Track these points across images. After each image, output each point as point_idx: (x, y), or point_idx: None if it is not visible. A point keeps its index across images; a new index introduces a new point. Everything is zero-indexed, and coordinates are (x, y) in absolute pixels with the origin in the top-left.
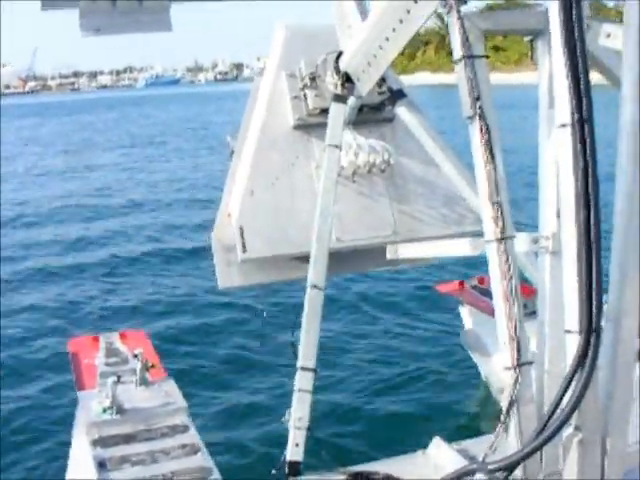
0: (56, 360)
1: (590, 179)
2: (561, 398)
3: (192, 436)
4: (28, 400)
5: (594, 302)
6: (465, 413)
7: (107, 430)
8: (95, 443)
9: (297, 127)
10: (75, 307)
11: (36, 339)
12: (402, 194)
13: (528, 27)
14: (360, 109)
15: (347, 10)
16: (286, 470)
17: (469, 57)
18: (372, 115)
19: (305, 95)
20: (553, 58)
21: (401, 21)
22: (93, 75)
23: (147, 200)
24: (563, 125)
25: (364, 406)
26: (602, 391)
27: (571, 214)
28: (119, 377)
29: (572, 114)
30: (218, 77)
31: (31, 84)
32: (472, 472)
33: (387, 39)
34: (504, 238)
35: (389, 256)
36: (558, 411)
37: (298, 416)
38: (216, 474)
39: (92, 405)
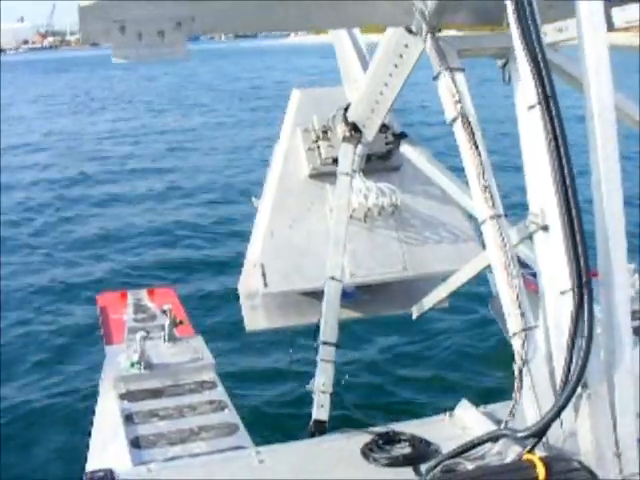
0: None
1: (562, 149)
2: (571, 354)
3: (219, 392)
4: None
5: (581, 260)
6: (493, 378)
7: (135, 384)
8: (122, 397)
9: (312, 176)
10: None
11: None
12: (411, 233)
13: (500, 46)
14: (369, 158)
15: (351, 65)
16: (312, 428)
17: (447, 69)
18: (380, 164)
19: (318, 146)
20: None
21: (396, 66)
22: None
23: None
24: (531, 106)
25: (390, 369)
26: (604, 350)
27: (550, 186)
28: (148, 332)
29: (537, 94)
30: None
31: (50, 39)
32: (500, 438)
33: (386, 84)
34: (495, 216)
35: (415, 315)
36: (572, 368)
37: (322, 381)
38: (242, 430)
39: (120, 359)
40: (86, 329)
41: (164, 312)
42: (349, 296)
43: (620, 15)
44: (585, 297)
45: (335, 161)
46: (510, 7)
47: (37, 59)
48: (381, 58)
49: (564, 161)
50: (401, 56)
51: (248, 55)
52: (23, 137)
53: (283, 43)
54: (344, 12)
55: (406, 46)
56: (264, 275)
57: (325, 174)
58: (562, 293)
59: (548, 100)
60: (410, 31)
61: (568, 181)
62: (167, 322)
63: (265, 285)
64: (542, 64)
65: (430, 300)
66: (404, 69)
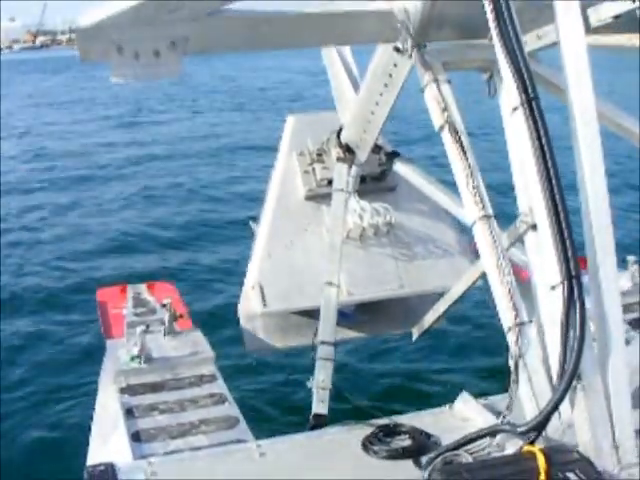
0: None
1: (546, 148)
2: (564, 346)
3: (219, 386)
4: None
5: (570, 254)
6: (494, 369)
7: (135, 378)
8: (123, 391)
9: (308, 198)
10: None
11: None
12: (406, 251)
13: (484, 58)
14: (363, 180)
15: (344, 87)
16: (312, 421)
17: (434, 80)
18: (375, 185)
19: (314, 168)
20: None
21: (386, 85)
22: None
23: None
24: (515, 108)
25: (391, 361)
26: (597, 341)
27: (536, 185)
28: (147, 326)
29: (519, 96)
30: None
31: (41, 38)
32: (499, 433)
33: (377, 104)
34: (485, 216)
35: (416, 337)
36: (567, 360)
37: (321, 379)
38: (243, 424)
39: (120, 353)
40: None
41: (164, 306)
42: (347, 318)
43: (594, 15)
44: (575, 289)
45: (330, 183)
46: (489, 11)
47: (38, 58)
48: (371, 78)
49: (549, 159)
50: (390, 75)
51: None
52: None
53: None
54: (332, 30)
55: (395, 65)
56: (263, 295)
57: (321, 196)
58: (553, 288)
59: (531, 101)
60: (398, 50)
61: (554, 179)
62: (167, 316)
63: (264, 305)
64: (523, 66)
65: (429, 318)
66: (394, 88)
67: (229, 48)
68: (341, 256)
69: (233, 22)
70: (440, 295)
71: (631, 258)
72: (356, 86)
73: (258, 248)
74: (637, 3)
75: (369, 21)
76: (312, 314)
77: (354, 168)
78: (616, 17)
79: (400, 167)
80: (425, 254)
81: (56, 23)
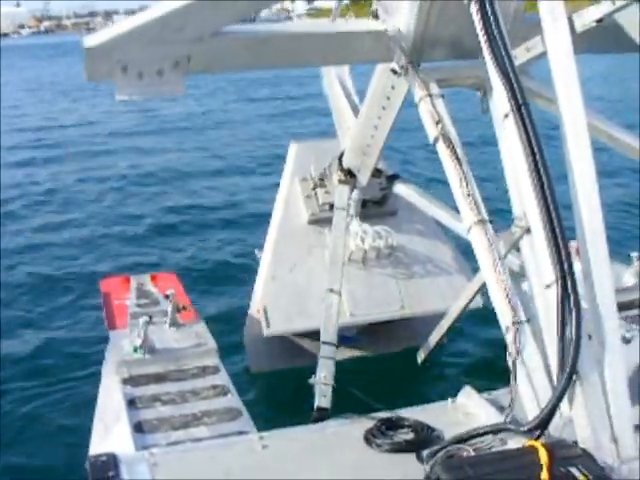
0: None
1: (537, 152)
2: (562, 342)
3: (222, 378)
4: (58, 337)
5: (563, 253)
6: (497, 364)
7: (138, 369)
8: (125, 381)
9: (311, 222)
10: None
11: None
12: (407, 274)
13: (477, 75)
14: (365, 204)
15: (344, 113)
16: (314, 415)
17: (428, 95)
18: (376, 209)
19: (316, 193)
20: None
21: (384, 108)
22: (109, 15)
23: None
24: (506, 115)
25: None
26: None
27: (529, 189)
28: (151, 317)
29: (509, 102)
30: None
31: (46, 23)
32: (503, 431)
33: (376, 127)
34: (480, 221)
35: (421, 359)
36: (564, 356)
37: (323, 375)
38: (245, 415)
39: (123, 344)
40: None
41: (167, 297)
42: (349, 341)
43: (579, 21)
44: (569, 286)
45: (332, 207)
46: (477, 20)
47: (52, 42)
48: (370, 102)
49: (540, 164)
50: (388, 98)
51: None
52: None
53: None
54: (330, 49)
55: (392, 87)
56: (267, 317)
57: (323, 220)
58: (547, 286)
59: (520, 107)
60: (395, 72)
61: (546, 184)
62: (170, 307)
63: (268, 326)
64: (512, 74)
65: (434, 338)
66: (391, 111)
67: (230, 67)
68: (343, 266)
69: (234, 42)
70: (441, 315)
71: (635, 254)
72: (356, 111)
73: (262, 271)
74: (616, 4)
75: (365, 40)
76: (315, 335)
77: (356, 192)
78: (599, 21)
79: (400, 188)
80: (426, 276)
81: (61, 8)
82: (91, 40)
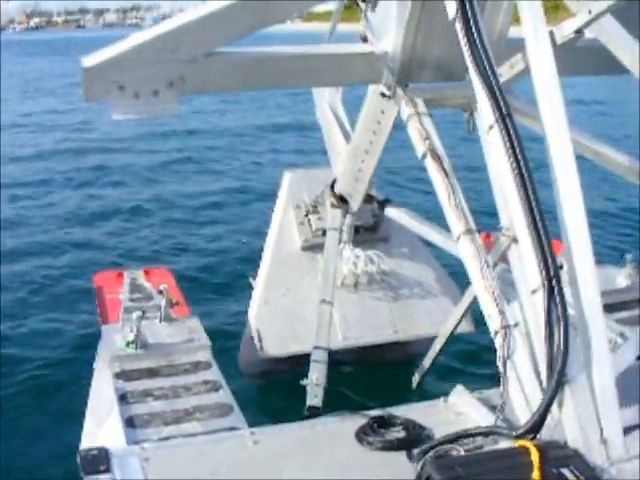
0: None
1: (522, 162)
2: (550, 346)
3: (214, 373)
4: (51, 331)
5: (549, 259)
6: (489, 363)
7: (130, 364)
8: (117, 376)
9: (304, 248)
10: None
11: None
12: (400, 299)
13: (464, 95)
14: (357, 230)
15: (336, 140)
16: (306, 413)
17: (416, 114)
18: (369, 236)
19: (309, 220)
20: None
21: (374, 132)
22: (99, 13)
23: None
24: (491, 126)
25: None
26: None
27: (515, 198)
28: (144, 312)
29: (494, 114)
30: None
31: (35, 20)
32: (495, 434)
33: (367, 152)
34: (467, 230)
35: (416, 382)
36: (553, 358)
37: (315, 377)
38: (237, 411)
39: (115, 339)
40: None
41: (160, 292)
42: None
43: (558, 33)
44: (555, 290)
45: (325, 233)
46: (462, 38)
47: (51, 38)
48: (361, 127)
49: (525, 175)
50: (379, 122)
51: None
52: None
53: (278, 29)
54: (321, 70)
55: (382, 112)
56: (260, 340)
57: (316, 246)
58: (534, 291)
59: (504, 118)
60: (384, 95)
61: (531, 194)
62: (163, 302)
63: (261, 349)
64: (496, 86)
65: (427, 361)
66: (382, 136)
67: (223, 88)
68: (334, 280)
69: (227, 63)
70: (432, 338)
71: (629, 256)
72: (348, 138)
73: (256, 296)
74: (592, 14)
75: (355, 62)
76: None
77: (348, 218)
78: (577, 32)
79: (392, 212)
80: (418, 300)
81: (52, 5)
82: (89, 61)
